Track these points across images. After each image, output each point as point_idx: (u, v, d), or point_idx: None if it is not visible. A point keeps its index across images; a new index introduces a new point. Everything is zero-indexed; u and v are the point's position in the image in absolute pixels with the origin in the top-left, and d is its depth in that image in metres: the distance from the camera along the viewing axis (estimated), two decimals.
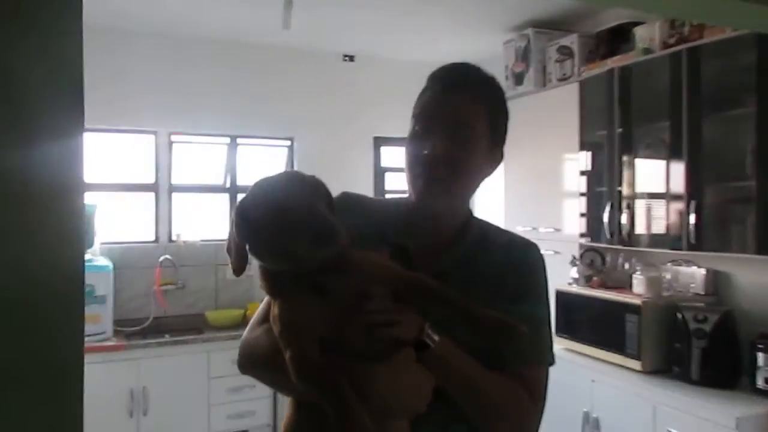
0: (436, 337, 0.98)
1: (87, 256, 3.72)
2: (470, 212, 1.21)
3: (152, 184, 4.18)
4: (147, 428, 3.63)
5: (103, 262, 3.80)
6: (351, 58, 4.60)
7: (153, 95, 4.04)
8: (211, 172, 4.41)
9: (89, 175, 4.03)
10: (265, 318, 1.03)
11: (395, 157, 4.85)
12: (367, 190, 4.68)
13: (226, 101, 4.22)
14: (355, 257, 0.93)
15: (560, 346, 3.26)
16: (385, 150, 4.84)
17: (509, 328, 0.94)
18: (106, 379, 3.53)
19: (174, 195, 4.24)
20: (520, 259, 1.15)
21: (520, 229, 3.87)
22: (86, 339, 3.61)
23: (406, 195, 1.18)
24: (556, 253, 3.55)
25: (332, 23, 3.94)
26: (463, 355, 1.01)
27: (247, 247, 0.90)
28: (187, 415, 3.75)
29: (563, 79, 3.61)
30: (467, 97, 1.10)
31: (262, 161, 4.58)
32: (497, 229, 1.22)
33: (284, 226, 0.85)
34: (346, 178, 4.54)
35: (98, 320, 3.69)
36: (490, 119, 1.12)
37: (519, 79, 3.90)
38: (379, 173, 4.80)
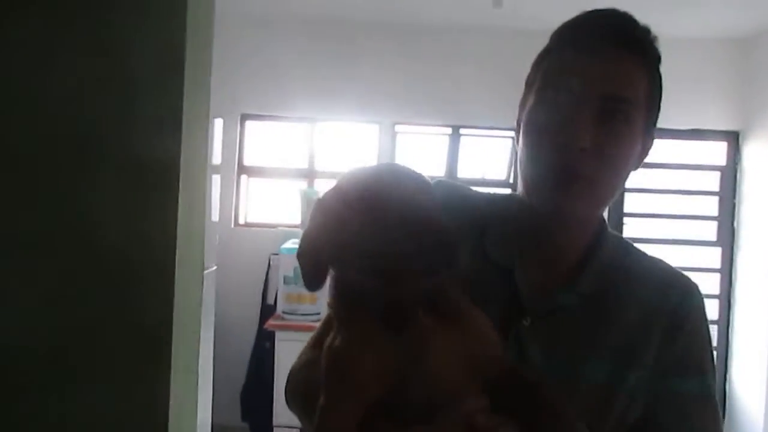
0: None
1: None
2: (604, 223, 0.87)
3: None
4: None
5: None
6: None
7: (378, 85, 4.08)
8: (433, 164, 4.33)
9: (302, 162, 4.26)
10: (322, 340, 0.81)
11: None
12: None
13: (447, 89, 4.07)
14: (460, 303, 0.69)
15: None
16: None
17: None
18: None
19: None
20: (679, 304, 0.79)
21: None
22: (302, 317, 3.81)
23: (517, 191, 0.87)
24: None
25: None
26: None
27: (331, 254, 0.69)
28: None
29: None
30: (626, 61, 0.76)
31: (485, 152, 4.35)
32: (639, 252, 0.87)
33: (392, 232, 0.63)
34: None
35: (314, 301, 3.87)
36: (650, 91, 0.78)
37: None
38: None
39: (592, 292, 0.79)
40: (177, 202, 1.37)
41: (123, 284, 1.30)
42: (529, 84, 0.83)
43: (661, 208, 4.30)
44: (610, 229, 0.87)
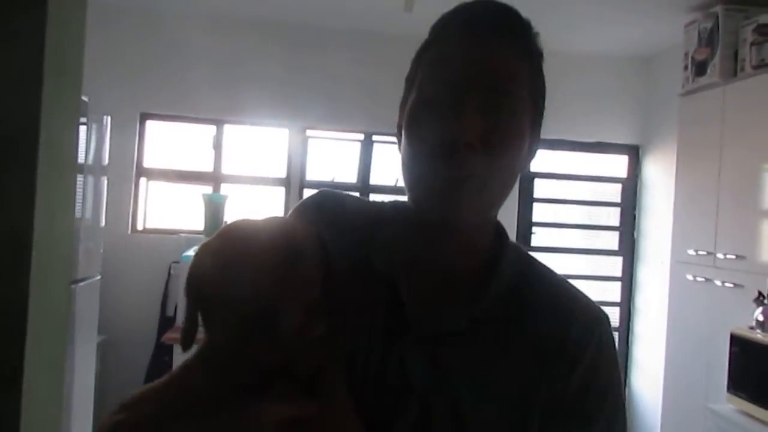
0: None
1: None
2: (503, 236, 0.78)
3: (284, 179, 4.11)
4: None
5: None
6: None
7: (288, 88, 3.95)
8: (345, 170, 4.24)
9: (209, 165, 4.06)
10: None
11: (547, 161, 4.29)
12: (512, 198, 4.15)
13: (360, 95, 4.00)
14: (332, 386, 0.65)
15: (732, 406, 2.52)
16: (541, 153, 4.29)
17: None
18: None
19: (305, 191, 4.13)
20: (580, 336, 0.71)
21: (691, 253, 3.13)
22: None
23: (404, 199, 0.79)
24: (737, 286, 2.78)
25: None
26: None
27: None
28: None
29: (760, 66, 2.83)
30: (510, 53, 0.70)
31: (398, 160, 4.30)
32: (544, 273, 0.78)
33: (223, 296, 0.62)
34: None
35: None
36: (533, 85, 0.72)
37: (701, 68, 3.17)
38: (527, 179, 4.26)
39: (485, 318, 0.71)
40: (33, 205, 1.20)
41: None
42: (409, 81, 0.75)
43: (567, 217, 4.42)
44: (511, 242, 0.78)
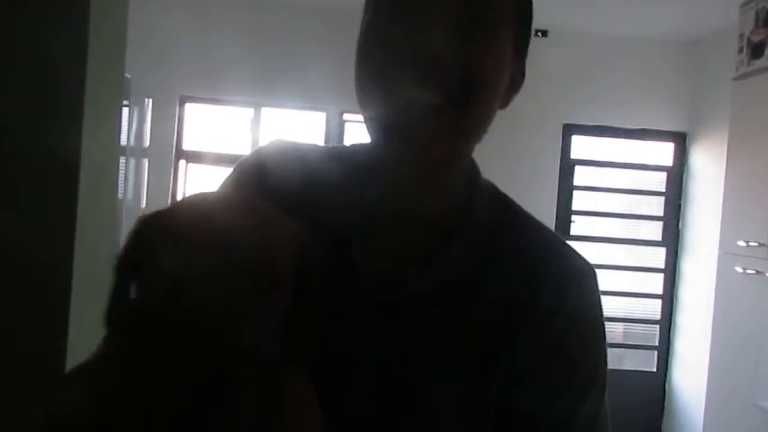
0: None
1: None
2: (474, 171, 0.67)
3: None
4: None
5: None
6: (544, 33, 4.02)
7: (325, 71, 3.91)
8: None
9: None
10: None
11: (588, 148, 4.18)
12: (551, 185, 4.08)
13: None
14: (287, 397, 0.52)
15: None
16: (577, 140, 4.19)
17: None
18: None
19: None
20: (557, 300, 0.61)
21: (741, 245, 3.01)
22: None
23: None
24: None
25: None
26: None
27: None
28: None
29: None
30: None
31: None
32: (524, 221, 0.67)
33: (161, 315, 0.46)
34: (527, 171, 4.09)
35: None
36: (518, 8, 0.62)
37: (758, 50, 3.02)
38: (568, 166, 4.17)
39: (448, 280, 0.61)
40: (77, 188, 1.21)
41: (14, 278, 1.14)
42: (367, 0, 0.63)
43: (609, 206, 4.31)
44: (486, 183, 0.67)
